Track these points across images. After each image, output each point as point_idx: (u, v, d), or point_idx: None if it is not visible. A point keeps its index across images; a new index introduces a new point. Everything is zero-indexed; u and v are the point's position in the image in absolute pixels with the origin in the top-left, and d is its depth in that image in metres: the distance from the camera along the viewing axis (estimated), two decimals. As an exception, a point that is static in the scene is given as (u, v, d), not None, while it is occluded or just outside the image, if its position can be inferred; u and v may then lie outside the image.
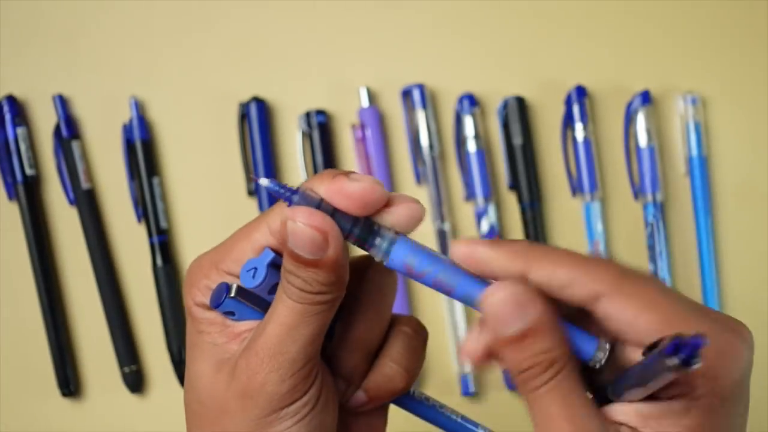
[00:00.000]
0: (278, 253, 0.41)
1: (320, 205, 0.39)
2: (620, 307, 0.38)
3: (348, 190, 0.39)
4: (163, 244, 0.77)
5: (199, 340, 0.43)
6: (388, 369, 0.44)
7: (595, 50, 0.80)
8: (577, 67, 0.79)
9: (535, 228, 0.78)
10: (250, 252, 0.42)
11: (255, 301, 0.42)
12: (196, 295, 0.43)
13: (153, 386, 0.78)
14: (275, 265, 0.41)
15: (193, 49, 0.79)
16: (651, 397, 0.39)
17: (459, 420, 0.47)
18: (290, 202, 0.39)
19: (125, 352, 0.77)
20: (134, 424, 0.78)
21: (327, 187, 0.39)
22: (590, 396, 0.40)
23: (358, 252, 0.44)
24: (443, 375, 0.79)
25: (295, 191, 0.39)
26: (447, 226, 0.78)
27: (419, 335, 0.45)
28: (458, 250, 0.39)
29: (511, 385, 0.78)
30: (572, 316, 0.40)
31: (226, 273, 0.42)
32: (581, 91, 0.78)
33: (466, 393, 0.78)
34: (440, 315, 0.78)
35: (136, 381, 0.77)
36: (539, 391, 0.39)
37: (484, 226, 0.78)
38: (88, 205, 0.77)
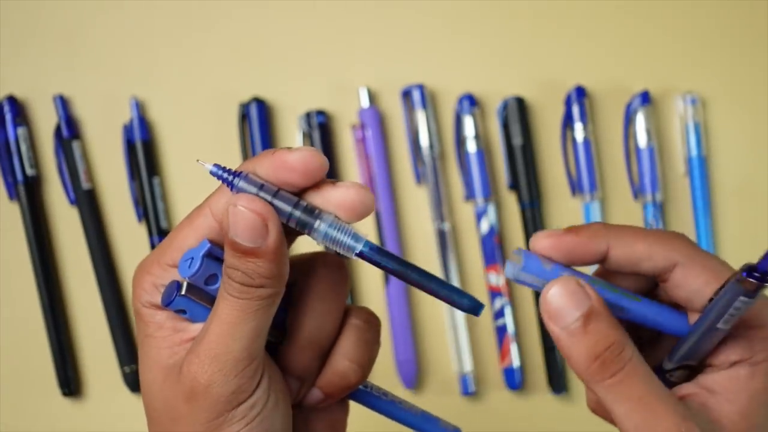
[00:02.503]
0: (216, 244, 0.41)
1: (262, 187, 0.39)
2: (694, 275, 0.41)
3: (289, 162, 0.39)
4: (163, 244, 0.77)
5: (147, 346, 0.42)
6: (341, 366, 0.44)
7: (594, 50, 0.80)
8: (577, 67, 0.79)
9: (535, 228, 0.78)
10: (194, 239, 0.41)
11: (206, 298, 0.41)
12: (142, 295, 0.42)
13: (153, 386, 0.78)
14: (212, 256, 0.41)
15: (194, 49, 0.79)
16: (713, 369, 0.42)
17: (419, 415, 0.47)
18: (232, 187, 0.39)
19: (125, 351, 0.77)
20: (134, 424, 0.78)
21: (268, 164, 0.39)
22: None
23: (306, 249, 0.44)
24: (443, 375, 0.79)
25: (237, 174, 0.39)
26: (447, 227, 0.78)
27: (372, 327, 0.45)
28: (542, 242, 0.41)
29: (511, 385, 0.78)
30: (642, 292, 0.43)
31: (169, 266, 0.42)
32: (581, 92, 0.78)
33: (465, 393, 0.78)
34: (440, 315, 0.78)
35: (136, 380, 0.77)
36: (618, 376, 0.40)
37: (484, 226, 0.78)
38: (89, 205, 0.77)
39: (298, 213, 0.39)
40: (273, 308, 0.41)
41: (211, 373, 0.40)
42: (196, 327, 0.42)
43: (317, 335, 0.43)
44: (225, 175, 0.39)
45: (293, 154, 0.39)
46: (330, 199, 0.39)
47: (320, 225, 0.39)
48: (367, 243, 0.40)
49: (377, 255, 0.40)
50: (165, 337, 0.42)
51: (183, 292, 0.41)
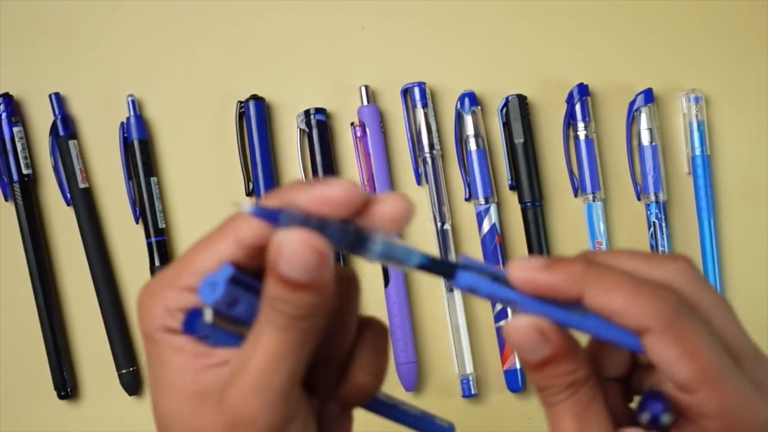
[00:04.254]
0: (239, 268, 0.40)
1: (307, 220, 0.38)
2: (662, 347, 0.38)
3: (331, 196, 0.38)
4: (160, 245, 0.77)
5: (165, 373, 0.41)
6: (360, 379, 0.43)
7: (597, 48, 0.79)
8: (579, 65, 0.79)
9: (537, 228, 0.78)
10: (216, 263, 0.40)
11: (229, 323, 0.40)
12: (154, 319, 0.41)
13: (150, 388, 0.78)
14: (234, 281, 0.40)
15: (191, 48, 0.79)
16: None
17: (419, 415, 0.47)
18: (277, 223, 0.38)
19: (122, 354, 0.77)
20: (131, 426, 0.78)
21: (307, 198, 0.38)
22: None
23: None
24: (444, 377, 0.78)
25: (279, 211, 0.38)
26: (448, 227, 0.78)
27: (383, 336, 0.45)
28: (516, 275, 0.39)
29: (513, 387, 0.78)
30: None
31: (185, 289, 0.40)
32: (583, 90, 0.78)
33: (467, 395, 0.78)
34: (441, 316, 0.78)
35: (133, 383, 0.77)
36: (555, 406, 0.40)
37: (485, 226, 0.78)
38: (85, 204, 0.77)
39: (348, 238, 0.39)
40: (315, 338, 0.40)
41: (257, 405, 0.39)
42: (221, 352, 0.41)
43: (338, 351, 0.43)
44: (267, 213, 0.38)
45: (334, 188, 0.38)
46: (376, 215, 0.39)
47: (374, 246, 0.39)
48: (423, 255, 0.39)
49: (432, 264, 0.39)
50: (186, 362, 0.41)
51: (208, 320, 0.40)
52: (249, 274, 0.41)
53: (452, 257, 0.77)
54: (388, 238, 0.39)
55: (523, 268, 0.39)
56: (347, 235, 0.38)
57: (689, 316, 0.39)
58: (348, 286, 0.43)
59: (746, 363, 0.40)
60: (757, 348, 0.41)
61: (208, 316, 0.40)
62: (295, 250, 0.37)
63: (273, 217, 0.38)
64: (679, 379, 0.39)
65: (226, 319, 0.40)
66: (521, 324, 0.39)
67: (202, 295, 0.40)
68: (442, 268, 0.40)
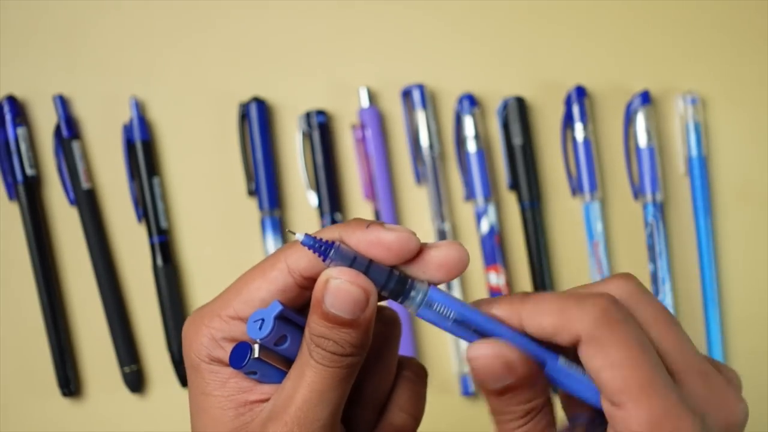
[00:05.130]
0: (287, 307, 0.40)
1: (356, 259, 0.39)
2: (589, 355, 0.37)
3: (385, 241, 0.39)
4: (163, 244, 0.77)
5: (207, 404, 0.41)
6: (399, 419, 0.44)
7: (594, 50, 0.80)
8: (577, 67, 0.79)
9: (535, 228, 0.78)
10: (267, 292, 0.40)
11: (277, 360, 0.41)
12: (200, 349, 0.41)
13: (153, 386, 0.78)
14: (282, 318, 0.40)
15: (193, 49, 0.79)
16: None
17: None
18: (325, 258, 0.39)
19: (125, 352, 0.77)
20: (134, 424, 0.78)
21: (361, 239, 0.39)
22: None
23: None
24: (443, 375, 0.79)
25: (330, 245, 0.38)
26: (447, 227, 0.78)
27: (422, 379, 0.45)
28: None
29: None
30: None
31: (233, 318, 0.41)
32: (581, 92, 0.78)
33: (465, 393, 0.78)
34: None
35: (136, 381, 0.77)
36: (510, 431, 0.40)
37: (484, 226, 0.78)
38: (89, 205, 0.77)
39: (392, 285, 0.39)
40: (356, 374, 0.41)
41: None
42: (266, 388, 0.41)
43: (378, 392, 0.44)
44: (318, 245, 0.39)
45: (389, 235, 0.39)
46: (428, 260, 0.39)
47: (416, 295, 0.39)
48: (458, 313, 0.39)
49: (462, 324, 0.40)
50: (229, 396, 0.41)
51: (257, 355, 0.40)
52: (297, 309, 0.41)
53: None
54: (429, 291, 0.39)
55: (482, 304, 0.40)
56: (391, 280, 0.39)
57: (620, 323, 0.37)
58: (390, 326, 0.44)
59: (688, 378, 0.38)
60: (709, 364, 0.39)
61: (256, 351, 0.40)
62: (341, 288, 0.38)
63: (324, 251, 0.38)
64: (605, 389, 0.37)
65: (272, 355, 0.41)
66: (486, 352, 0.38)
67: (250, 332, 0.40)
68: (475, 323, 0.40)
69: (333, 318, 0.38)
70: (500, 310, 0.39)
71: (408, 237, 0.39)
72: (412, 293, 0.39)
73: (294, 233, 0.39)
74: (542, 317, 0.38)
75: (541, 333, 0.39)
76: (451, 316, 0.39)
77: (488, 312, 0.39)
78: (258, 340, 0.40)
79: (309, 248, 0.38)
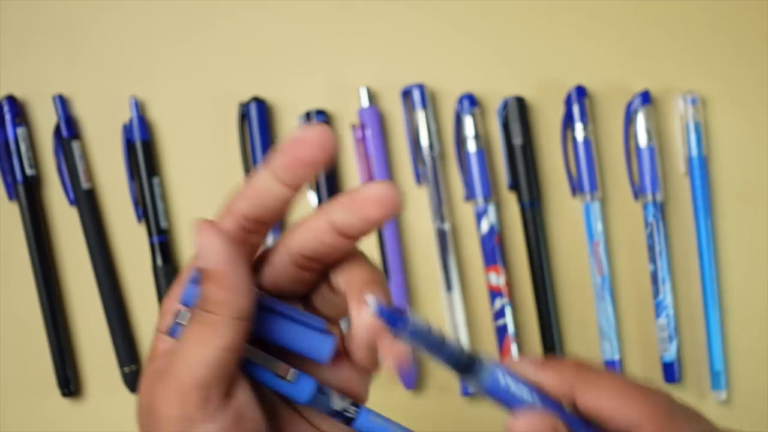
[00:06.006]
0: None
1: (428, 336, 0.38)
2: None
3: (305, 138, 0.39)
4: (163, 244, 0.77)
5: None
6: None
7: (595, 50, 0.80)
8: (577, 67, 0.79)
9: (535, 228, 0.78)
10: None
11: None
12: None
13: (153, 386, 0.78)
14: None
15: (193, 49, 0.79)
16: None
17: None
18: (397, 328, 0.38)
19: (125, 351, 0.77)
20: (134, 425, 0.78)
21: (288, 152, 0.39)
22: None
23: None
24: (443, 375, 0.79)
25: (401, 318, 0.38)
26: (447, 227, 0.78)
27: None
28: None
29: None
30: None
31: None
32: (581, 91, 0.78)
33: (466, 393, 0.78)
34: (440, 315, 0.78)
35: (136, 381, 0.77)
36: None
37: (484, 226, 0.78)
38: (88, 205, 0.77)
39: (462, 361, 0.39)
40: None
41: None
42: None
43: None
44: (391, 315, 0.38)
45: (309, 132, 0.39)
46: (366, 198, 0.39)
47: (484, 374, 0.39)
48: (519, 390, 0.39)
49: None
50: None
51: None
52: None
53: (452, 257, 0.78)
54: (502, 368, 0.39)
55: (515, 365, 0.39)
56: (461, 357, 0.39)
57: (681, 414, 0.38)
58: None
59: None
60: None
61: None
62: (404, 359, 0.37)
63: (395, 322, 0.38)
64: None
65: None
66: (526, 421, 0.38)
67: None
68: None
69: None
70: (547, 377, 0.39)
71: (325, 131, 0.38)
72: (480, 371, 0.39)
73: (370, 303, 0.38)
74: (601, 401, 0.38)
75: (594, 413, 0.39)
76: (513, 391, 0.39)
77: (536, 377, 0.39)
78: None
79: (382, 318, 0.38)
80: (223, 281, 0.38)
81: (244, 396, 0.40)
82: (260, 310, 0.40)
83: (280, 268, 0.41)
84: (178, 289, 0.42)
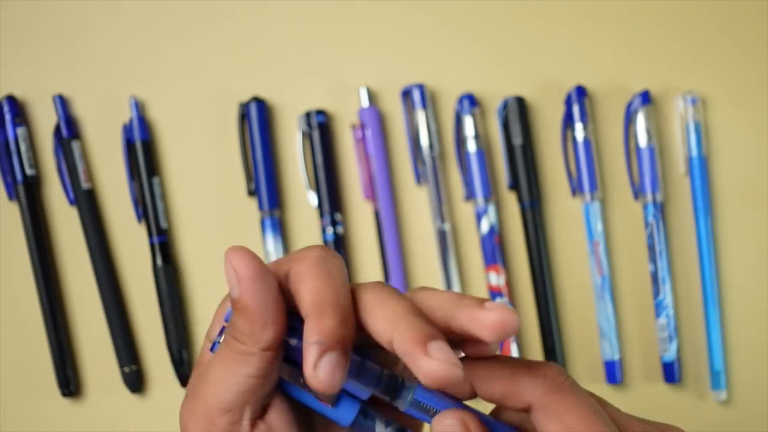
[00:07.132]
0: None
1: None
2: (543, 420, 0.38)
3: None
4: (163, 244, 0.77)
5: None
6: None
7: (594, 50, 0.80)
8: (577, 67, 0.79)
9: (535, 228, 0.78)
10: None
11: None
12: None
13: (153, 386, 0.78)
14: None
15: (193, 49, 0.79)
16: None
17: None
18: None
19: (125, 352, 0.77)
20: (134, 424, 0.78)
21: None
22: None
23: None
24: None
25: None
26: (447, 227, 0.78)
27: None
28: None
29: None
30: None
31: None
32: (581, 91, 0.78)
33: (466, 393, 0.78)
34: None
35: (136, 381, 0.77)
36: None
37: (484, 226, 0.78)
38: (88, 205, 0.77)
39: (382, 384, 0.39)
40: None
41: None
42: None
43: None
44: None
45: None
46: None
47: (407, 395, 0.39)
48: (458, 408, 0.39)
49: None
50: None
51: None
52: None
53: (452, 257, 0.78)
54: (418, 384, 0.39)
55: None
56: (382, 380, 0.38)
57: (572, 388, 0.38)
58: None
59: None
60: (654, 428, 0.40)
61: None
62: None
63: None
64: None
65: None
66: (445, 420, 0.38)
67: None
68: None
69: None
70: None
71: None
72: (404, 392, 0.39)
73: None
74: (494, 383, 0.38)
75: (491, 398, 0.39)
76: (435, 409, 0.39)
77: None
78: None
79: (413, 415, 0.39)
80: (249, 314, 0.37)
81: (277, 419, 0.40)
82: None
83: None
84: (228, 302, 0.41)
